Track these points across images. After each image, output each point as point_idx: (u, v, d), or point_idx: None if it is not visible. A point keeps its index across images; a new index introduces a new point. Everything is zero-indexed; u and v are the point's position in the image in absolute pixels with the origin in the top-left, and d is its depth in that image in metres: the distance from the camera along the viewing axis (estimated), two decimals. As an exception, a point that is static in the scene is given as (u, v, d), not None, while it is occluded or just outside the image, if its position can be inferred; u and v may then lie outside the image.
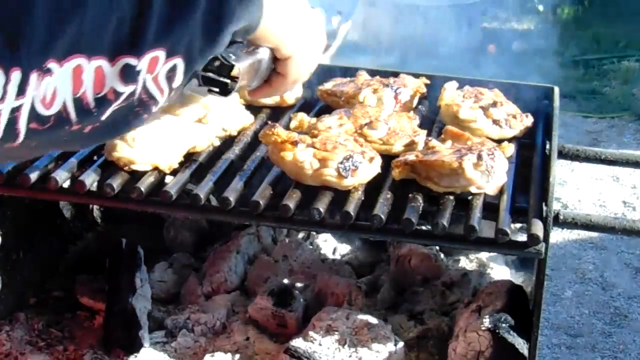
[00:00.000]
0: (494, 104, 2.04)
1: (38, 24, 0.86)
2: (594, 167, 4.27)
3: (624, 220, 1.82)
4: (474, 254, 2.49)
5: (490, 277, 2.37)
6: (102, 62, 0.93)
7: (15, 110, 0.90)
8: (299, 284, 2.34)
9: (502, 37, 6.91)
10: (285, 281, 2.30)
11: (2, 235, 2.15)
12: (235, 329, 2.18)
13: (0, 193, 1.96)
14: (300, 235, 2.59)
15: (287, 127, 1.90)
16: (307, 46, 1.38)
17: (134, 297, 2.16)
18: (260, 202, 1.67)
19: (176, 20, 0.98)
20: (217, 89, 1.34)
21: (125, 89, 0.97)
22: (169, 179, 1.78)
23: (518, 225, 2.09)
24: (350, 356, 1.99)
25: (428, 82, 2.19)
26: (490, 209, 1.71)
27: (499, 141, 1.91)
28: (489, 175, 1.72)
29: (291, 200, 1.67)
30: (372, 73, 2.24)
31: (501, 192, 1.76)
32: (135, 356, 2.10)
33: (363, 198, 1.71)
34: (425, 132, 1.95)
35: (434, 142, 1.84)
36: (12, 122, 0.91)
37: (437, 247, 2.44)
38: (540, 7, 7.26)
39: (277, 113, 2.16)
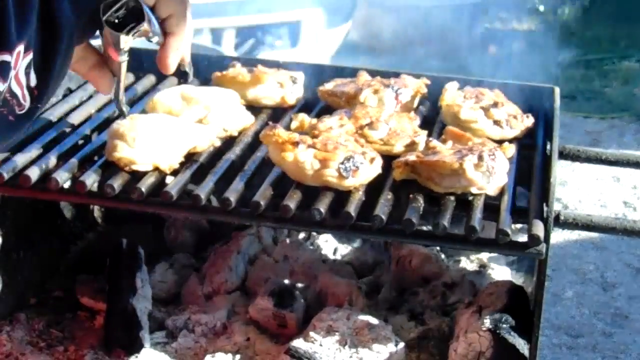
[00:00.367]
0: (495, 105, 2.04)
1: None
2: (594, 167, 4.26)
3: (624, 220, 1.82)
4: (474, 254, 2.49)
5: (490, 278, 2.37)
6: None
7: None
8: (299, 285, 2.34)
9: (502, 37, 6.91)
10: (286, 282, 2.30)
11: (2, 235, 2.15)
12: (236, 330, 2.18)
13: (1, 193, 1.96)
14: (301, 235, 2.59)
15: (287, 128, 1.90)
16: (182, 4, 1.45)
17: (134, 298, 2.16)
18: (261, 202, 1.67)
19: (25, 12, 0.97)
20: (132, 25, 1.40)
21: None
22: (169, 179, 1.78)
23: (519, 225, 2.09)
24: (350, 357, 1.99)
25: (429, 82, 2.19)
26: (491, 209, 1.71)
27: (500, 142, 1.91)
28: (490, 175, 1.72)
29: (292, 201, 1.67)
30: (373, 73, 2.24)
31: (502, 192, 1.76)
32: (136, 357, 2.10)
33: (364, 198, 1.71)
34: (426, 132, 1.95)
35: (434, 143, 1.84)
36: None
37: (438, 248, 2.44)
38: (541, 8, 7.26)
39: (278, 113, 2.16)
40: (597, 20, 6.46)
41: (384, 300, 2.31)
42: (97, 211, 2.55)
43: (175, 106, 1.98)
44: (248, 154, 1.91)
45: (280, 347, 2.09)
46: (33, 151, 1.82)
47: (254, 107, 2.14)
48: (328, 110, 2.11)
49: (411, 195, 1.71)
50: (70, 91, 2.17)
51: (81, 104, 2.12)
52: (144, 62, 2.19)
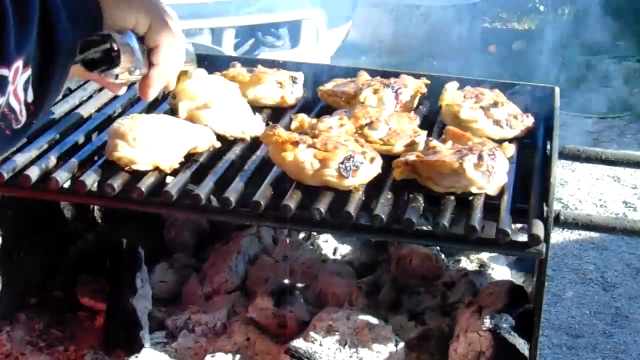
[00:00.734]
0: (495, 104, 2.04)
1: None
2: (594, 167, 4.27)
3: (624, 220, 1.82)
4: (474, 254, 2.49)
5: (491, 278, 2.37)
6: None
7: None
8: (299, 284, 2.34)
9: (502, 37, 6.92)
10: (286, 281, 2.30)
11: (2, 236, 2.15)
12: (236, 330, 2.18)
13: (1, 193, 1.96)
14: (301, 235, 2.59)
15: (287, 128, 1.90)
16: (171, 36, 1.41)
17: (134, 298, 2.16)
18: (261, 202, 1.67)
19: (26, 29, 0.97)
20: (104, 67, 1.36)
21: None
22: (169, 179, 1.78)
23: (519, 225, 2.09)
24: (350, 356, 1.99)
25: (429, 82, 2.19)
26: (491, 209, 1.70)
27: (500, 141, 1.91)
28: (490, 175, 1.72)
29: (292, 201, 1.67)
30: (373, 73, 2.24)
31: (502, 192, 1.76)
32: (136, 356, 2.10)
33: (364, 198, 1.71)
34: (425, 132, 1.95)
35: (434, 143, 1.84)
36: None
37: (438, 248, 2.44)
38: (542, 7, 7.27)
39: (278, 113, 2.16)
40: (597, 20, 6.47)
41: (384, 300, 2.31)
42: (97, 211, 2.55)
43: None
44: (248, 154, 1.91)
45: (280, 347, 2.09)
46: (33, 151, 1.82)
47: (253, 107, 2.14)
48: (328, 110, 2.11)
49: (411, 195, 1.71)
50: (70, 91, 2.17)
51: (81, 103, 2.12)
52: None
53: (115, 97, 2.11)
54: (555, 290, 3.51)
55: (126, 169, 1.75)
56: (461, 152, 1.76)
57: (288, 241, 2.53)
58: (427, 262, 2.38)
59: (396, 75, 2.21)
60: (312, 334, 2.03)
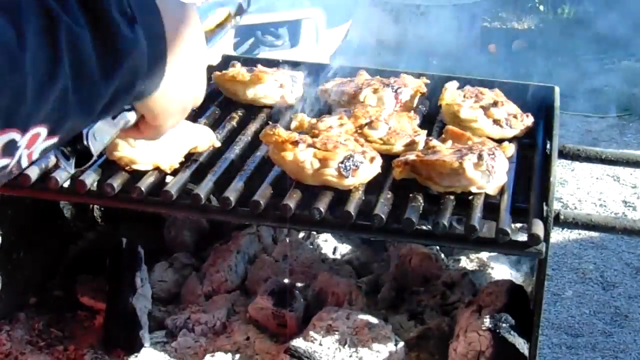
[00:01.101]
0: (495, 104, 2.04)
1: None
2: (594, 166, 4.27)
3: (624, 220, 1.83)
4: (474, 253, 2.49)
5: (490, 277, 2.37)
6: None
7: None
8: (299, 284, 2.34)
9: (502, 37, 6.92)
10: (286, 281, 2.30)
11: (2, 235, 2.15)
12: (236, 329, 2.18)
13: (1, 193, 1.96)
14: (301, 235, 2.59)
15: (287, 128, 1.90)
16: (179, 118, 1.21)
17: (134, 297, 2.16)
18: (261, 201, 1.67)
19: (75, 104, 0.91)
20: (67, 162, 1.13)
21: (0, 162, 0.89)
22: (169, 179, 1.78)
23: (519, 225, 2.09)
24: (350, 356, 1.99)
25: (428, 81, 2.19)
26: (491, 208, 1.70)
27: (500, 141, 1.91)
28: (490, 175, 1.72)
29: (292, 200, 1.67)
30: (373, 72, 2.24)
31: (502, 192, 1.76)
32: (136, 356, 2.10)
33: (363, 198, 1.71)
34: (425, 131, 1.95)
35: (434, 142, 1.84)
36: None
37: (438, 247, 2.44)
38: (541, 7, 7.27)
39: (278, 113, 2.16)
40: (597, 20, 6.47)
41: (384, 300, 2.31)
42: (97, 211, 2.55)
43: None
44: (248, 153, 1.91)
45: (280, 347, 2.09)
46: (33, 150, 1.82)
47: (253, 107, 2.14)
48: (328, 109, 2.11)
49: (411, 195, 1.71)
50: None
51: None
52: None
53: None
54: (555, 289, 3.51)
55: (126, 168, 1.75)
56: (461, 151, 1.76)
57: (288, 241, 2.53)
58: (426, 261, 2.38)
59: (396, 74, 2.21)
60: (311, 333, 2.03)
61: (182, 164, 1.81)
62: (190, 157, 1.84)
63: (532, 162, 1.93)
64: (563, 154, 2.03)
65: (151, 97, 1.09)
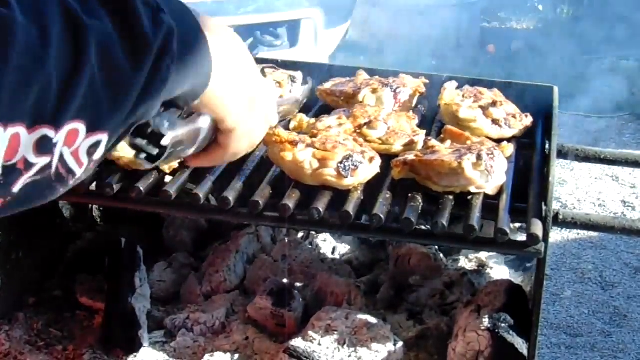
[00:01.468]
0: (494, 104, 2.04)
1: None
2: (593, 166, 4.27)
3: (623, 219, 1.82)
4: (473, 253, 2.49)
5: (489, 277, 2.37)
6: (19, 130, 0.84)
7: None
8: (298, 284, 2.34)
9: (501, 37, 6.92)
10: (285, 281, 2.30)
11: (1, 235, 2.15)
12: (235, 329, 2.18)
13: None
14: (300, 235, 2.59)
15: (286, 128, 1.90)
16: (253, 120, 1.25)
17: (133, 297, 2.16)
18: (260, 201, 1.67)
19: (107, 97, 0.90)
20: (144, 155, 1.18)
21: (38, 161, 0.88)
22: (168, 179, 1.78)
23: (517, 224, 2.09)
24: (349, 356, 1.99)
25: (427, 81, 2.19)
26: (490, 208, 1.70)
27: (499, 141, 1.91)
28: (489, 175, 1.72)
29: (291, 200, 1.67)
30: (372, 72, 2.24)
31: (500, 191, 1.76)
32: (135, 356, 2.10)
33: (362, 198, 1.71)
34: (424, 131, 1.95)
35: (433, 142, 1.84)
36: None
37: (437, 247, 2.44)
38: (540, 7, 7.27)
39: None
40: (596, 20, 6.47)
41: (383, 300, 2.31)
42: (96, 211, 2.55)
43: None
44: (247, 153, 1.91)
45: (279, 346, 2.09)
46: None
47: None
48: (327, 109, 2.11)
49: (410, 195, 1.71)
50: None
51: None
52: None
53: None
54: (554, 289, 3.51)
55: (126, 168, 1.75)
56: (460, 151, 1.76)
57: (287, 240, 2.53)
58: (425, 261, 2.38)
59: (395, 74, 2.21)
60: (310, 333, 2.03)
61: (181, 164, 1.81)
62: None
63: (531, 162, 1.93)
64: (562, 154, 2.03)
65: (206, 94, 1.09)
